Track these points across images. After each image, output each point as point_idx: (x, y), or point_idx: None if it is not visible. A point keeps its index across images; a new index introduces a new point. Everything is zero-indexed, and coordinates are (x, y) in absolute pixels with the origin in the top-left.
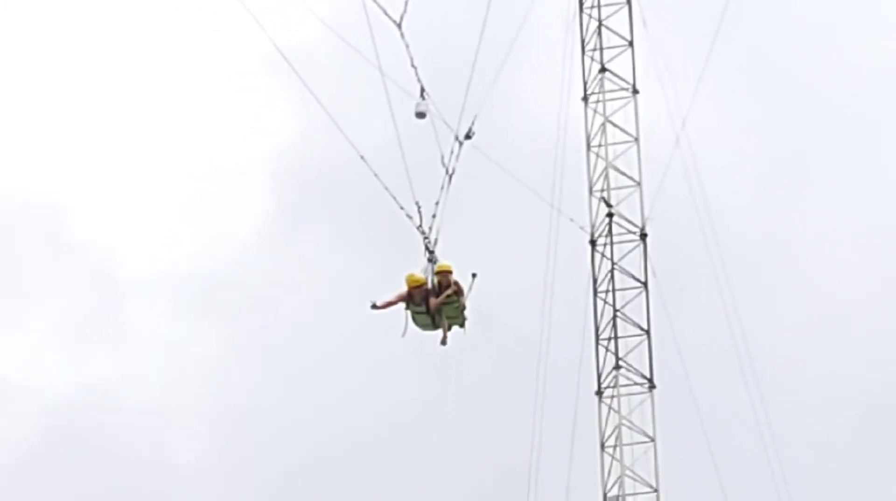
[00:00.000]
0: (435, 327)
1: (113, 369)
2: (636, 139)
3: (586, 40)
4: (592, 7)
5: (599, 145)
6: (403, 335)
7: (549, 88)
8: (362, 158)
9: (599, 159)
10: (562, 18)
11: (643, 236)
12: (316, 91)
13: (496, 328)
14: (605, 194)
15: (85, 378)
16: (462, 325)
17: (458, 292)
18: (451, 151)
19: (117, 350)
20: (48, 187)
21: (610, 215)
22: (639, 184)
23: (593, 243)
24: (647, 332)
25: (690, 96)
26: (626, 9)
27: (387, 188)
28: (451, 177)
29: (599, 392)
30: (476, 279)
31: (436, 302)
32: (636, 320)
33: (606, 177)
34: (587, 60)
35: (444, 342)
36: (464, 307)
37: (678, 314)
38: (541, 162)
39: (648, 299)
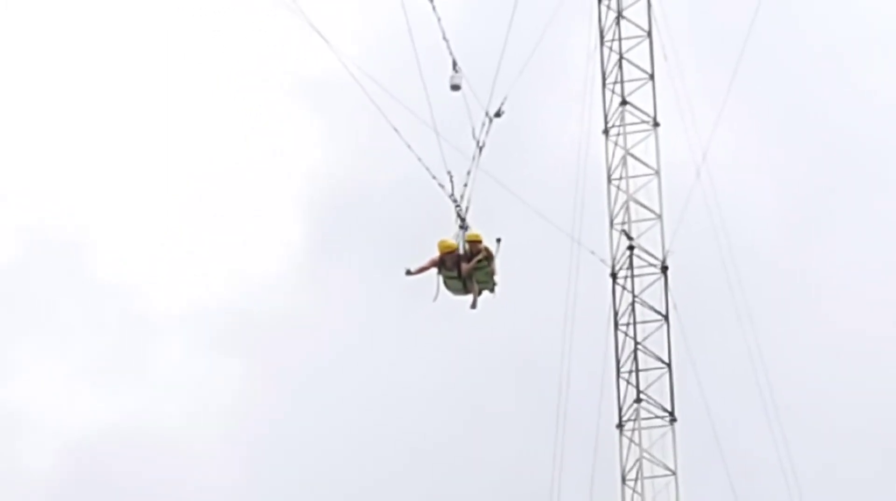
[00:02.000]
0: (466, 291)
1: (137, 404)
2: (657, 172)
3: (607, 73)
4: (613, 40)
5: (620, 178)
6: (435, 299)
7: (571, 121)
8: (396, 130)
9: (620, 192)
10: (583, 51)
11: (664, 268)
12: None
13: (517, 360)
14: (625, 227)
15: (109, 414)
16: (492, 290)
17: (489, 257)
18: (482, 124)
19: (141, 386)
20: (73, 223)
21: (631, 247)
22: (659, 217)
23: (614, 275)
24: (668, 365)
25: (711, 129)
26: (646, 42)
27: (419, 159)
28: (481, 149)
29: (620, 425)
30: (501, 243)
31: (467, 267)
32: (657, 353)
33: (627, 210)
34: (608, 93)
35: (474, 305)
36: (494, 272)
37: (699, 347)
38: (562, 195)
39: (669, 332)
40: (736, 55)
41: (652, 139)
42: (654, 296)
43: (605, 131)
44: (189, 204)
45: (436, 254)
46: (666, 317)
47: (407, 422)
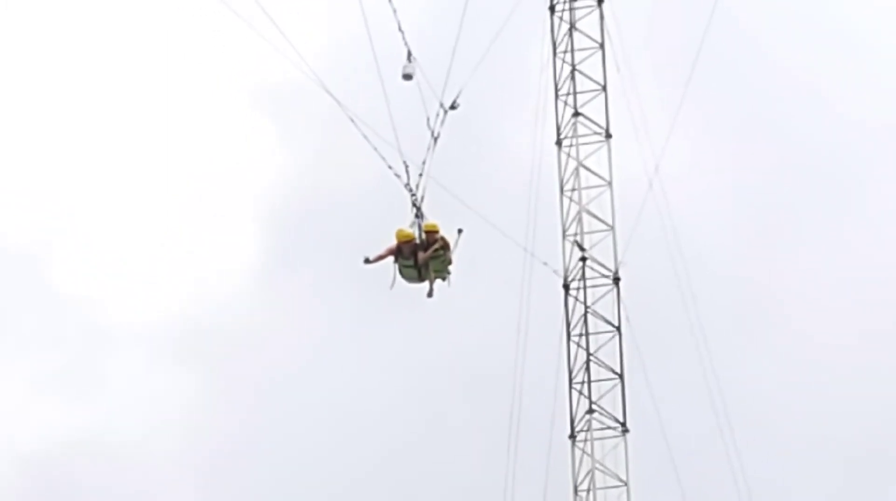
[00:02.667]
0: (421, 279)
1: (95, 417)
2: (609, 183)
3: (560, 85)
4: (566, 52)
5: (573, 189)
6: (391, 287)
7: (523, 132)
8: (352, 120)
9: (573, 203)
10: (536, 63)
11: (616, 280)
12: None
13: (471, 370)
14: (578, 238)
15: (67, 427)
16: (445, 279)
17: (445, 246)
18: (437, 115)
19: (99, 398)
20: (31, 235)
21: (583, 258)
22: (612, 228)
23: (566, 286)
24: (621, 376)
25: (664, 141)
26: (599, 54)
27: (375, 149)
28: (436, 140)
29: (573, 436)
30: (462, 235)
31: (424, 256)
32: (609, 363)
33: (580, 221)
34: (561, 105)
35: (430, 294)
36: (450, 262)
37: (652, 358)
38: (515, 206)
39: (622, 342)
40: (689, 67)
41: (605, 151)
42: (607, 307)
43: (558, 143)
44: (147, 215)
45: (393, 243)
46: (618, 328)
47: (362, 434)
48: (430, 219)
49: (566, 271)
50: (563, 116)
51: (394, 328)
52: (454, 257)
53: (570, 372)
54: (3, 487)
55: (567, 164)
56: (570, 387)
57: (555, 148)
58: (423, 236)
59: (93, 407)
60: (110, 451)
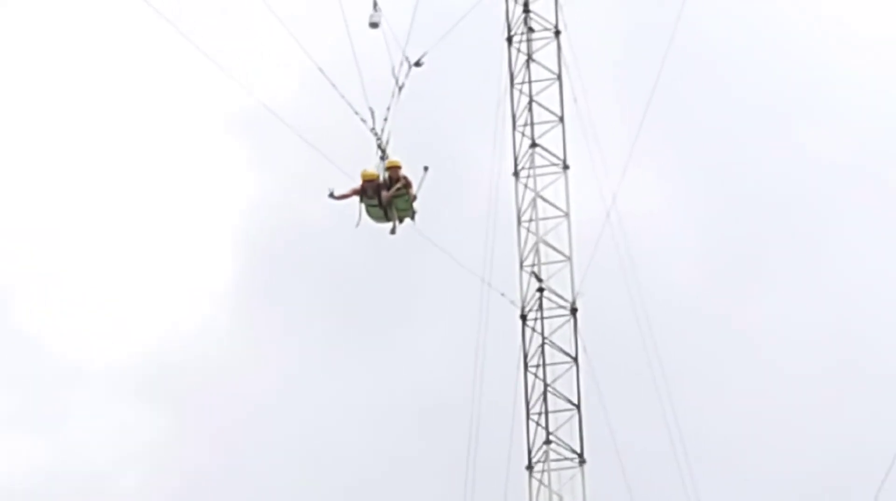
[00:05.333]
0: (386, 219)
1: (57, 454)
2: (567, 214)
3: (517, 116)
4: (523, 83)
5: (530, 220)
6: (357, 225)
7: (481, 163)
8: (321, 70)
9: (530, 234)
10: (493, 94)
11: (574, 310)
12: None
13: (428, 401)
14: (535, 269)
15: (30, 464)
16: (413, 217)
17: (408, 185)
18: (401, 63)
19: (62, 436)
20: None
21: (540, 289)
22: (569, 259)
23: (524, 317)
24: (578, 407)
25: (621, 172)
26: (556, 85)
27: (343, 96)
28: (400, 89)
29: (530, 467)
30: (427, 173)
31: (387, 195)
32: (567, 394)
33: (537, 252)
34: (518, 136)
35: (393, 231)
36: (414, 198)
37: (609, 389)
38: (473, 236)
39: (579, 373)
40: (647, 98)
41: (562, 182)
42: (564, 338)
43: (516, 174)
44: (114, 248)
45: (358, 182)
46: (575, 359)
47: (324, 468)
48: (393, 157)
49: (523, 301)
50: (520, 147)
51: (360, 361)
52: (418, 194)
53: (528, 403)
54: None
55: (524, 195)
56: (528, 418)
57: (512, 179)
58: (387, 174)
59: (55, 444)
60: (74, 487)
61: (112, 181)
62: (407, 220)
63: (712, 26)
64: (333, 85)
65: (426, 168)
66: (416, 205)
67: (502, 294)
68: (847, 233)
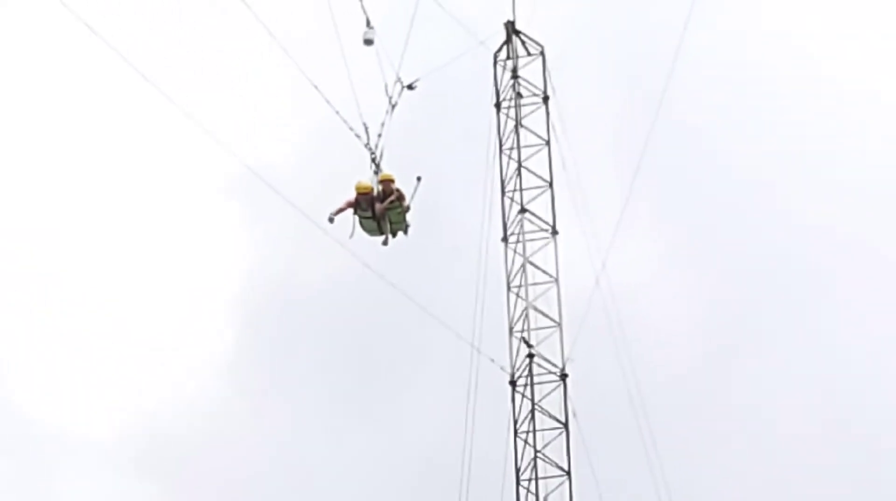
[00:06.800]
0: (380, 231)
1: None
2: (556, 280)
3: (506, 181)
4: (512, 149)
5: (520, 286)
6: (351, 236)
7: (470, 228)
8: (316, 87)
9: (520, 300)
10: (482, 158)
11: (563, 376)
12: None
13: (417, 467)
14: (525, 335)
15: None
16: (405, 231)
17: (401, 198)
18: (395, 83)
19: None
20: None
21: (530, 355)
22: (559, 324)
23: (513, 383)
24: (568, 473)
25: (610, 237)
26: (545, 150)
27: (337, 112)
28: (393, 107)
29: None
30: (420, 183)
31: (381, 207)
32: (557, 460)
33: (527, 317)
34: (507, 201)
35: (385, 243)
36: (407, 210)
37: (599, 456)
38: (462, 301)
39: (569, 439)
40: (636, 163)
41: (551, 247)
42: (554, 404)
43: (505, 239)
44: (110, 314)
45: (352, 195)
46: (566, 425)
47: None
48: (386, 171)
49: (513, 367)
50: (509, 213)
51: (352, 427)
52: (412, 204)
53: (518, 469)
54: None
55: (514, 260)
56: (518, 484)
57: (501, 244)
58: (380, 187)
59: None
60: None
61: (106, 248)
62: (400, 233)
63: (702, 93)
64: (328, 101)
65: (419, 179)
66: (408, 218)
67: (492, 360)
68: (838, 298)
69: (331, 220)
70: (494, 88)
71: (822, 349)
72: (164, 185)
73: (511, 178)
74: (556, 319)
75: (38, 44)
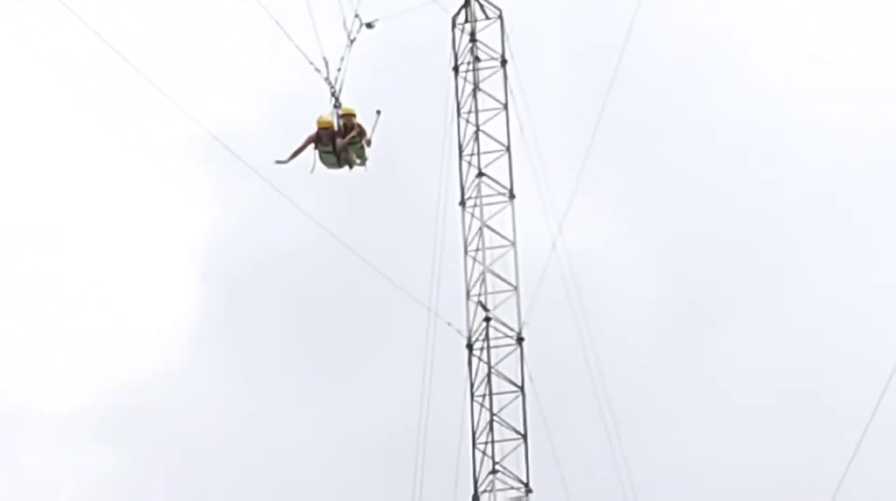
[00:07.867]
0: (339, 165)
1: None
2: (513, 244)
3: (464, 145)
4: (470, 112)
5: (477, 250)
6: (312, 171)
7: (427, 192)
8: (277, 23)
9: (477, 264)
10: (440, 122)
11: (520, 340)
12: None
13: (374, 430)
14: (482, 299)
15: None
16: (364, 164)
17: (361, 133)
18: (353, 20)
19: (11, 480)
20: None
21: (487, 319)
22: (516, 288)
23: (470, 347)
24: (524, 436)
25: (567, 201)
26: (503, 114)
27: (298, 47)
28: (352, 42)
29: (476, 497)
30: (380, 117)
31: (342, 142)
32: (513, 424)
33: (484, 281)
34: (465, 165)
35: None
36: (369, 143)
37: (555, 418)
38: (419, 266)
39: (525, 403)
40: (594, 127)
41: (508, 211)
42: (511, 367)
43: (462, 203)
44: (74, 283)
45: (313, 130)
46: (522, 388)
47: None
48: (347, 105)
49: (470, 331)
50: (466, 177)
51: (312, 393)
52: (373, 138)
53: (474, 433)
54: None
55: (471, 224)
56: (474, 447)
57: (459, 208)
58: (341, 122)
59: (4, 489)
60: None
61: (72, 213)
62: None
63: (661, 54)
64: (290, 37)
65: (378, 112)
66: (368, 152)
67: (449, 324)
68: (801, 266)
69: (282, 162)
70: (452, 52)
71: (783, 317)
72: (123, 146)
73: (469, 142)
74: (514, 283)
75: (37, 44)
